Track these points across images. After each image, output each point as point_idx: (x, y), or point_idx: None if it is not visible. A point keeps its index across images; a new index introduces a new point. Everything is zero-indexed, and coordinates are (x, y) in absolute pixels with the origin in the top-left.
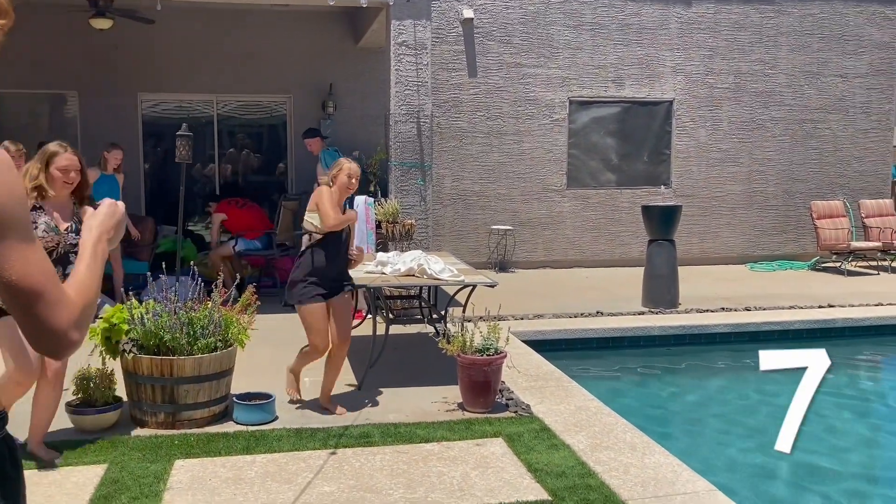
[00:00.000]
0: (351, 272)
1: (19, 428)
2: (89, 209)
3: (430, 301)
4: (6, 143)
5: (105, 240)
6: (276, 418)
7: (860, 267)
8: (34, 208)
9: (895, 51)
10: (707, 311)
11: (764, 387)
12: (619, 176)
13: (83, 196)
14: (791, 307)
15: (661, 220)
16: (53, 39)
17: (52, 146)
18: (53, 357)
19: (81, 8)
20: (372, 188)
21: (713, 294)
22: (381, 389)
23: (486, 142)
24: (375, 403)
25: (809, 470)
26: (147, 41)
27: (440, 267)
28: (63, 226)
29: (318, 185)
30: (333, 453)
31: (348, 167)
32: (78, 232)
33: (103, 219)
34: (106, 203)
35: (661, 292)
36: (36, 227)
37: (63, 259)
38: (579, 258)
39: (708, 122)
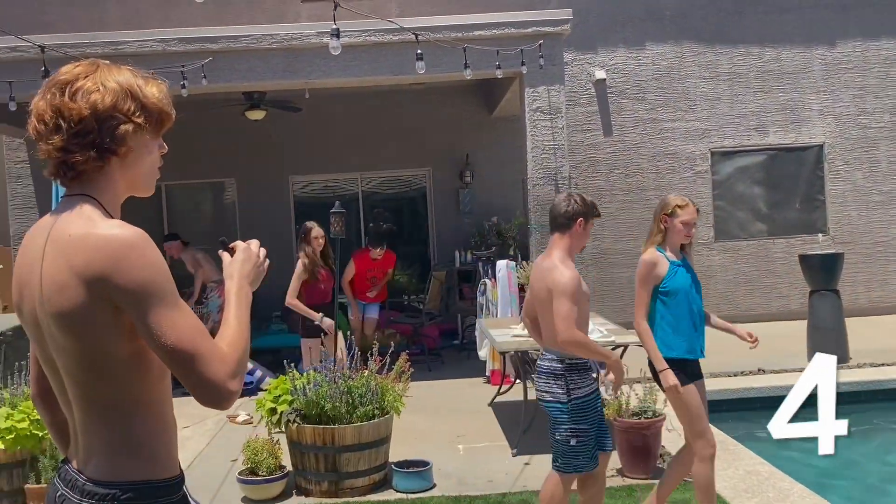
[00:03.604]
0: (498, 337)
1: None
2: (226, 255)
3: None
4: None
5: (247, 284)
6: (434, 485)
7: None
8: None
9: None
10: (883, 364)
11: None
12: (771, 225)
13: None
14: None
15: (822, 270)
16: (211, 132)
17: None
18: (217, 407)
19: (237, 102)
20: (512, 252)
21: (888, 346)
22: (536, 455)
23: (626, 199)
24: (531, 469)
25: None
26: (296, 127)
27: (589, 327)
28: None
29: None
30: None
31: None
32: None
33: (241, 265)
34: (240, 248)
35: (828, 346)
36: None
37: None
38: (733, 313)
39: (864, 164)
